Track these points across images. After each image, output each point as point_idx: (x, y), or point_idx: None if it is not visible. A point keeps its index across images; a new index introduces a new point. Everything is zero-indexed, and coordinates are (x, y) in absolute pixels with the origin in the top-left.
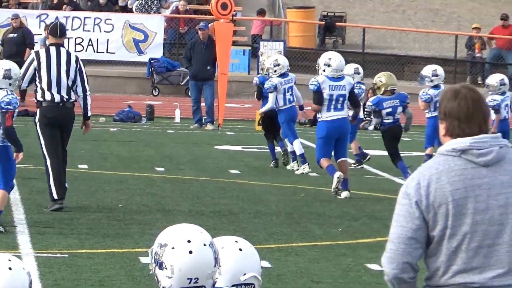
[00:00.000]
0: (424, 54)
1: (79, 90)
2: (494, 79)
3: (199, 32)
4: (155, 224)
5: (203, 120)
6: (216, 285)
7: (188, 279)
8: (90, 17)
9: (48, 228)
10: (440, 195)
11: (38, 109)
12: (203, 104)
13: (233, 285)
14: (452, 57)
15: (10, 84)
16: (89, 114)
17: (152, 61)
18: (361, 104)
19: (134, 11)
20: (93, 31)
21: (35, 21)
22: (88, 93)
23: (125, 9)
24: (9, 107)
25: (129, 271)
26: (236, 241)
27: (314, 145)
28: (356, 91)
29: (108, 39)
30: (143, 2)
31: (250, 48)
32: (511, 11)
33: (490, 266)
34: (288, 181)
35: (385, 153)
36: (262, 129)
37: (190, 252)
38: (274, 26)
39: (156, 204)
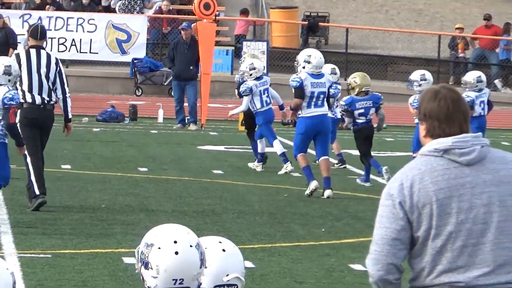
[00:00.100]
0: (407, 54)
1: (59, 92)
2: (471, 76)
3: (182, 32)
4: (138, 224)
5: (186, 120)
6: (201, 287)
7: (173, 279)
8: (73, 17)
9: (31, 228)
10: (424, 195)
11: (19, 110)
12: (186, 104)
13: (216, 286)
14: (435, 57)
15: (9, 81)
16: (70, 116)
17: (135, 61)
18: (337, 104)
19: (117, 11)
20: (76, 31)
21: (18, 21)
22: (68, 95)
23: (108, 9)
24: (12, 102)
25: (112, 271)
26: (220, 242)
27: None
28: (332, 91)
29: (91, 39)
30: (126, 2)
31: (233, 48)
32: (494, 11)
33: (475, 265)
34: (271, 181)
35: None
36: (245, 129)
37: (176, 253)
38: (257, 26)
39: (139, 204)
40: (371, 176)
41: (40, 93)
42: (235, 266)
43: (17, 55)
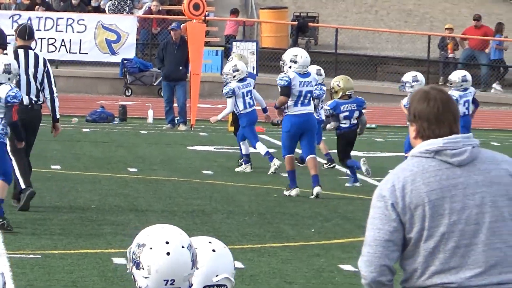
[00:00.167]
0: (397, 54)
1: (47, 92)
2: (456, 75)
3: (172, 32)
4: (128, 224)
5: (176, 121)
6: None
7: (164, 280)
8: (62, 18)
9: (20, 228)
10: (416, 197)
11: None
12: (175, 104)
13: (205, 286)
14: (425, 57)
15: (9, 79)
16: (58, 116)
17: (124, 61)
18: (321, 105)
19: (106, 11)
20: (66, 31)
21: (7, 22)
22: (55, 95)
23: (98, 9)
24: (15, 100)
25: (102, 272)
26: (210, 242)
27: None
28: (317, 92)
29: (80, 40)
30: (116, 3)
31: (222, 48)
32: (483, 11)
33: (468, 265)
34: (260, 181)
35: (358, 153)
36: (234, 129)
37: (168, 253)
38: (247, 27)
39: (129, 205)
40: (360, 176)
41: (28, 93)
42: (225, 267)
43: (5, 56)
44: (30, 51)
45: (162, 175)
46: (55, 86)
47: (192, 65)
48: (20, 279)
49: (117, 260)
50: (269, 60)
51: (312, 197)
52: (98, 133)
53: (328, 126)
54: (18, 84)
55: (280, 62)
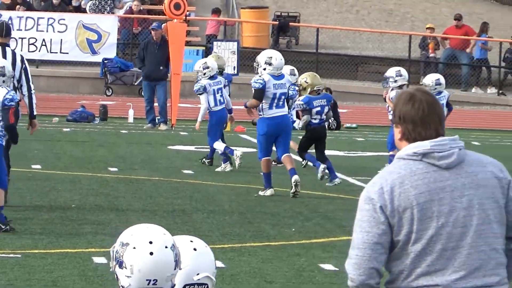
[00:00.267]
0: (378, 54)
1: (24, 89)
2: (430, 78)
3: (152, 32)
4: (108, 224)
5: (157, 120)
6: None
7: (147, 280)
8: (43, 17)
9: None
10: (404, 200)
11: None
12: (156, 104)
13: (186, 285)
14: (406, 57)
15: (3, 81)
16: (35, 113)
17: (105, 61)
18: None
19: (87, 11)
20: (47, 31)
21: None
22: (33, 91)
23: (79, 9)
24: (12, 103)
25: (82, 271)
26: (191, 241)
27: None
28: (290, 92)
29: (61, 39)
30: (97, 2)
31: (203, 48)
32: (464, 11)
33: (453, 268)
34: (241, 181)
35: (338, 153)
36: None
37: (151, 253)
38: (228, 26)
39: (109, 204)
40: (341, 176)
41: None
42: (206, 266)
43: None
44: (7, 48)
45: (142, 175)
46: (32, 83)
47: (172, 64)
48: (0, 279)
49: (98, 260)
50: (250, 60)
51: (293, 185)
52: (79, 132)
53: (300, 121)
54: None
55: (254, 64)
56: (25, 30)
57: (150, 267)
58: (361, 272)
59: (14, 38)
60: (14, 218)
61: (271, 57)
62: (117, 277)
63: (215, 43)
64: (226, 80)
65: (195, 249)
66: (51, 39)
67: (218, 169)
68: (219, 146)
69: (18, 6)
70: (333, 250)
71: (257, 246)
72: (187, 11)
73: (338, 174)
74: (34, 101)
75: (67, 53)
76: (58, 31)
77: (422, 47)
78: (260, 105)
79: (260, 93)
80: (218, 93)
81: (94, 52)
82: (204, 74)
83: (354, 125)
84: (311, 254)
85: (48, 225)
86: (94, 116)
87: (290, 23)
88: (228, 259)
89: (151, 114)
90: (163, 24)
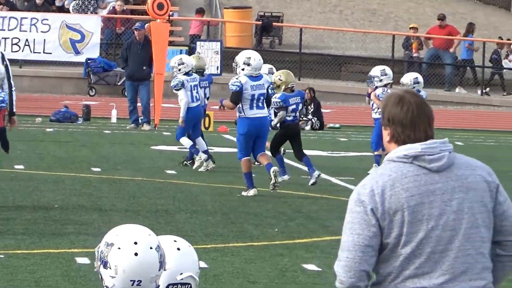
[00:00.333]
0: (361, 54)
1: (5, 86)
2: (408, 77)
3: (135, 32)
4: (91, 224)
5: (140, 120)
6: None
7: (131, 280)
8: (26, 17)
9: None
10: (395, 202)
11: None
12: (139, 104)
13: (169, 284)
14: (389, 57)
15: None
16: (15, 109)
17: (88, 61)
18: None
19: (71, 11)
20: (30, 31)
21: None
22: (13, 89)
23: (62, 9)
24: (2, 105)
25: (65, 272)
26: (175, 241)
27: None
28: (270, 91)
29: (45, 39)
30: (80, 2)
31: (187, 48)
32: (448, 11)
33: (441, 271)
34: (224, 181)
35: (322, 153)
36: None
37: (136, 254)
38: (211, 26)
39: (93, 204)
40: (324, 176)
41: None
42: (189, 265)
43: None
44: None
45: (125, 175)
46: (13, 81)
47: (156, 64)
48: None
49: (80, 260)
50: (233, 60)
51: (272, 176)
52: (62, 133)
53: (276, 118)
54: None
55: (233, 64)
56: (8, 30)
57: (134, 267)
58: (351, 275)
59: None
60: None
61: (250, 58)
62: (101, 277)
63: (198, 43)
64: (207, 82)
65: (178, 249)
66: (34, 39)
67: (202, 168)
68: (185, 141)
69: (1, 6)
70: (316, 250)
71: (240, 247)
72: (170, 11)
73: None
74: (14, 97)
75: (50, 53)
76: (41, 31)
77: (406, 47)
78: (241, 105)
79: (236, 96)
80: (194, 89)
81: (77, 52)
82: (179, 70)
83: (337, 125)
84: (294, 254)
85: (31, 225)
86: (77, 116)
87: (273, 23)
88: (211, 259)
89: (134, 114)
90: (146, 24)
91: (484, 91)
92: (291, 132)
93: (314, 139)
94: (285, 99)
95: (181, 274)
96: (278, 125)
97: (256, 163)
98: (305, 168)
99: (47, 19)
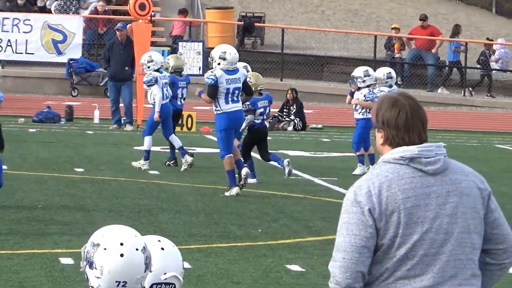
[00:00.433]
0: (343, 54)
1: None
2: (381, 72)
3: (117, 32)
4: (74, 224)
5: (122, 121)
6: None
7: (116, 281)
8: (8, 18)
9: None
10: (392, 203)
11: None
12: (122, 104)
13: (153, 284)
14: (371, 57)
15: None
16: None
17: (71, 61)
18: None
19: (53, 11)
20: (12, 31)
21: None
22: None
23: (44, 9)
24: None
25: (49, 272)
26: (159, 240)
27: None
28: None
29: (27, 40)
30: (62, 3)
31: (169, 48)
32: (429, 11)
33: (432, 273)
34: (207, 181)
35: (304, 153)
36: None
37: (121, 255)
38: (193, 27)
39: (76, 205)
40: (308, 177)
41: None
42: (173, 265)
43: None
44: None
45: (108, 175)
46: None
47: (138, 65)
48: None
49: (64, 260)
50: None
51: (243, 177)
52: (45, 133)
53: (244, 122)
54: None
55: (209, 59)
56: None
57: (120, 268)
58: (348, 276)
59: None
60: None
61: (225, 52)
62: (87, 277)
63: (180, 43)
64: (185, 82)
65: (162, 249)
66: (16, 40)
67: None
68: (147, 141)
69: None
70: (300, 251)
71: (224, 247)
72: (152, 11)
73: (303, 175)
74: None
75: (33, 53)
76: (24, 32)
77: (388, 48)
78: (216, 99)
79: (213, 90)
80: (165, 87)
81: (59, 53)
82: (149, 67)
83: (319, 126)
84: (277, 255)
85: (14, 225)
86: (60, 117)
87: (255, 24)
88: (195, 259)
89: (117, 114)
90: (128, 25)
91: (472, 92)
92: (260, 135)
93: (297, 139)
94: (254, 102)
95: (165, 274)
96: (245, 128)
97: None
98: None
99: (29, 20)
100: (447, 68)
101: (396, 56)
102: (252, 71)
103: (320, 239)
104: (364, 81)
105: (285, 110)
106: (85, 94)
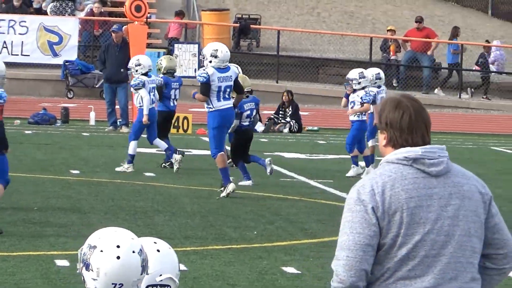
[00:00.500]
0: (339, 56)
1: None
2: (370, 72)
3: (113, 34)
4: (70, 226)
5: (118, 123)
6: None
7: (112, 283)
8: (4, 19)
9: None
10: (395, 202)
11: None
12: (117, 106)
13: (148, 285)
14: (367, 59)
15: None
16: None
17: (66, 63)
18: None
19: (48, 13)
20: (8, 33)
21: None
22: None
23: (40, 11)
24: (0, 101)
25: (44, 274)
26: (155, 242)
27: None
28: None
29: (22, 41)
30: (58, 5)
31: (164, 50)
32: (425, 13)
33: (433, 275)
34: (203, 183)
35: (300, 155)
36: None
37: (118, 257)
38: (189, 29)
39: (72, 207)
40: (303, 179)
41: None
42: (169, 267)
43: None
44: None
45: (104, 177)
46: None
47: None
48: None
49: (60, 262)
50: None
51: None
52: (41, 135)
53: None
54: None
55: (200, 56)
56: None
57: (116, 271)
58: (352, 274)
59: None
60: None
61: (217, 50)
62: (84, 279)
63: (176, 45)
64: (177, 83)
65: (158, 251)
66: (12, 41)
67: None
68: (132, 146)
69: None
70: (295, 253)
71: (219, 249)
72: (148, 13)
73: (299, 177)
74: None
75: (28, 55)
76: (19, 33)
77: (384, 50)
78: (208, 98)
79: (205, 87)
80: (152, 91)
81: (55, 54)
82: (136, 71)
83: (315, 128)
84: (273, 257)
85: (10, 227)
86: (56, 119)
87: (251, 26)
88: (191, 262)
89: (113, 116)
90: (124, 27)
91: (473, 92)
92: (246, 137)
93: (293, 141)
94: (240, 104)
95: (161, 275)
96: (231, 131)
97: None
98: (285, 171)
99: (25, 21)
100: (447, 70)
101: (391, 58)
102: (248, 73)
103: (315, 241)
104: (359, 83)
105: (280, 112)
106: (81, 96)
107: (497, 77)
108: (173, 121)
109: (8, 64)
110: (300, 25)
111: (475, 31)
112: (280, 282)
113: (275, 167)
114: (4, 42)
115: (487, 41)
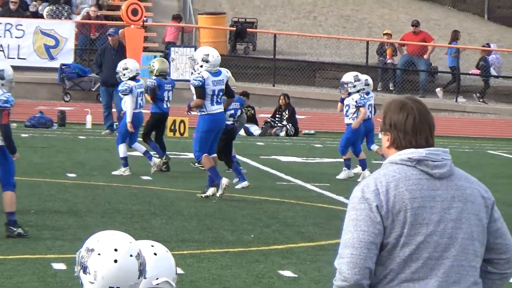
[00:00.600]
0: (336, 60)
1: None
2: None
3: (109, 38)
4: (67, 230)
5: (114, 126)
6: None
7: (110, 287)
8: (1, 23)
9: None
10: (399, 202)
11: None
12: (114, 110)
13: None
14: (363, 63)
15: (2, 85)
16: None
17: (63, 67)
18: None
19: (45, 16)
20: (4, 36)
21: None
22: None
23: (36, 14)
24: (6, 105)
25: (41, 277)
26: (152, 245)
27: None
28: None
29: (19, 45)
30: (54, 8)
31: (161, 54)
32: (421, 17)
33: (436, 278)
34: (200, 187)
35: (296, 159)
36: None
37: (115, 261)
38: (185, 33)
39: (68, 210)
40: (300, 182)
41: None
42: (166, 270)
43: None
44: None
45: (101, 181)
46: None
47: None
48: None
49: (56, 266)
50: None
51: (222, 189)
52: (37, 138)
53: None
54: None
55: (192, 61)
56: None
57: (113, 274)
58: (356, 271)
59: None
60: None
61: (208, 54)
62: (81, 282)
63: (172, 49)
64: (170, 86)
65: (155, 254)
66: (8, 45)
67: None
68: (122, 149)
69: None
70: (292, 256)
71: (216, 253)
72: (145, 17)
73: (296, 181)
74: None
75: (25, 58)
76: (16, 37)
77: (380, 53)
78: None
79: (201, 91)
80: (139, 96)
81: (51, 58)
82: (124, 75)
83: (312, 132)
84: (270, 260)
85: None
86: (52, 122)
87: (248, 29)
88: (187, 265)
89: (109, 119)
90: (120, 30)
91: (478, 97)
92: (231, 136)
93: (289, 145)
94: None
95: (157, 279)
96: None
97: (196, 164)
98: (281, 175)
99: (21, 25)
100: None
101: (388, 62)
102: (245, 76)
103: (312, 244)
104: (354, 86)
105: (277, 115)
106: (78, 99)
107: (493, 80)
108: (168, 124)
109: None
110: (296, 29)
111: (472, 35)
112: (277, 285)
113: (271, 171)
114: (1, 45)
115: (488, 44)
